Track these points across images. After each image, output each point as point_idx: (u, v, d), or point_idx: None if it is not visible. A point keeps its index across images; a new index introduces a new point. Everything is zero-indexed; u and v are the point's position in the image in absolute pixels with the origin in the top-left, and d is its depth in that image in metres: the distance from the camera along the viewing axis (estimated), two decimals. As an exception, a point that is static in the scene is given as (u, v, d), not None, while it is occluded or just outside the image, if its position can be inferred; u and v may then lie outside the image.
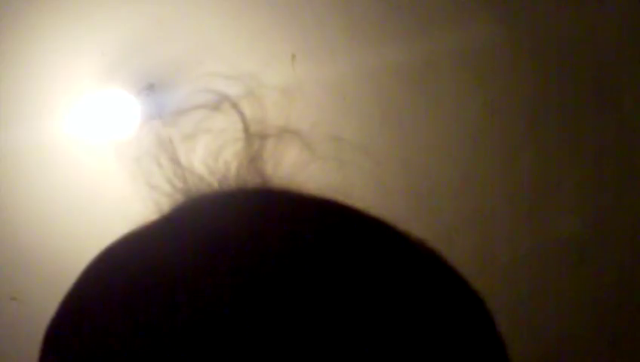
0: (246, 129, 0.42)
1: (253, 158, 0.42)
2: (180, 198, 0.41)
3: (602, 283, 2.25)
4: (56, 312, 0.37)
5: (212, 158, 0.42)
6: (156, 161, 0.42)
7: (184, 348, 0.30)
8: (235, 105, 0.43)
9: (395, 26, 1.74)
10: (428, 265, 0.36)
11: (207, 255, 0.33)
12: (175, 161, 0.42)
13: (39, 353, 0.36)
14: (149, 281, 0.32)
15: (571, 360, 2.39)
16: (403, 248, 0.37)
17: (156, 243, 0.36)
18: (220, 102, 0.43)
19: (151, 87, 1.78)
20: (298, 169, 0.42)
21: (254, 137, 0.42)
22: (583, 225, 2.14)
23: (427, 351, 0.31)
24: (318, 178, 0.43)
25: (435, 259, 0.37)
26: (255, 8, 1.70)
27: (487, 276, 2.21)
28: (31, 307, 2.03)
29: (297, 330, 0.30)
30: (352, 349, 0.29)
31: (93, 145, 1.83)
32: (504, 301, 2.29)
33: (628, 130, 1.97)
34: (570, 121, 1.95)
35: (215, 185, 0.42)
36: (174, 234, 0.36)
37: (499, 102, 1.90)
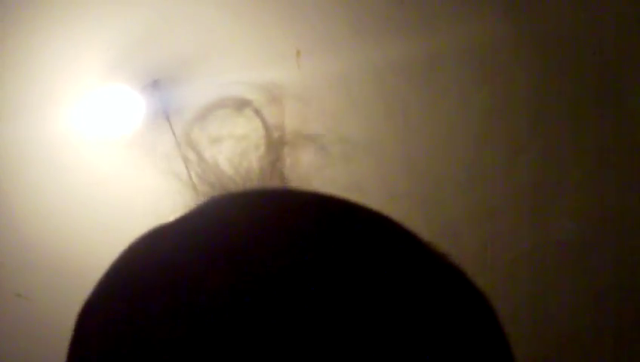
0: (267, 133, 0.44)
1: (273, 161, 0.44)
2: (205, 195, 0.42)
3: (604, 281, 2.25)
4: (89, 296, 0.37)
5: (235, 160, 0.43)
6: (184, 159, 0.43)
7: (202, 342, 0.30)
8: (257, 111, 0.44)
9: (399, 22, 1.74)
10: (438, 267, 0.37)
11: (231, 250, 0.34)
12: (201, 159, 0.43)
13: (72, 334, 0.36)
14: (170, 277, 0.33)
15: (573, 358, 2.39)
16: (417, 250, 0.38)
17: (182, 238, 0.36)
18: (242, 107, 0.45)
19: (155, 84, 1.78)
20: (314, 170, 0.43)
21: (274, 142, 0.44)
22: (586, 223, 2.14)
23: (434, 350, 0.32)
24: (334, 179, 0.44)
25: (446, 261, 0.38)
26: (260, 5, 1.70)
27: (489, 273, 2.21)
28: (35, 303, 2.04)
29: (315, 327, 0.31)
30: (366, 346, 0.30)
31: (97, 140, 1.83)
32: (506, 298, 2.29)
33: (631, 128, 1.97)
34: (573, 119, 1.94)
35: (238, 184, 0.43)
36: (200, 229, 0.37)
37: (502, 99, 1.90)
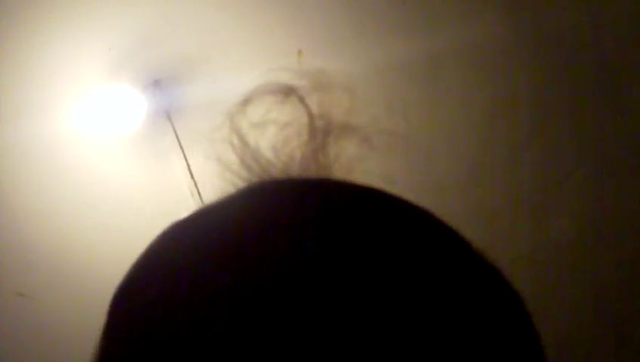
0: (310, 122, 0.44)
1: (315, 150, 0.43)
2: (245, 180, 0.42)
3: (605, 281, 2.25)
4: (124, 278, 0.37)
5: (277, 146, 0.42)
6: (228, 144, 0.43)
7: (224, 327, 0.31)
8: (301, 99, 0.44)
9: (400, 21, 1.74)
10: (477, 266, 0.37)
11: (268, 237, 0.34)
12: (245, 145, 0.43)
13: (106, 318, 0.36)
14: (208, 262, 0.33)
15: (576, 356, 2.39)
16: (457, 248, 0.38)
17: (220, 224, 0.36)
18: (288, 94, 0.44)
19: (157, 83, 1.78)
20: (357, 161, 0.43)
21: (318, 130, 0.44)
22: (587, 223, 2.14)
23: (468, 351, 0.32)
24: (375, 170, 0.44)
25: (486, 261, 0.38)
26: (261, 4, 1.70)
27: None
28: (37, 303, 2.04)
29: (354, 321, 0.30)
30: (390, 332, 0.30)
31: (99, 140, 1.83)
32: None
33: (633, 126, 1.96)
34: (574, 117, 1.94)
35: (279, 171, 0.43)
36: (238, 216, 0.37)
37: (504, 98, 1.90)
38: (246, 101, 0.45)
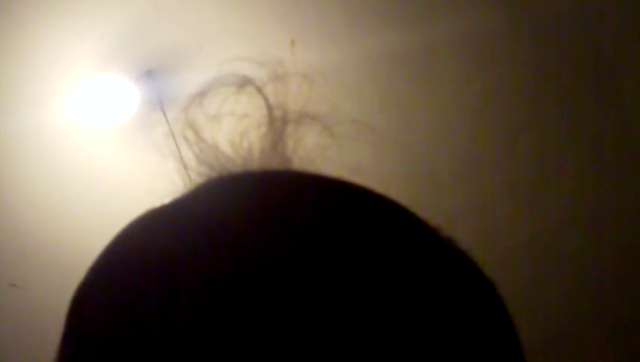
0: (269, 113, 0.43)
1: (275, 141, 0.43)
2: (205, 176, 0.41)
3: (602, 268, 2.26)
4: (83, 280, 0.37)
5: (235, 140, 0.42)
6: (184, 139, 0.42)
7: (191, 329, 0.30)
8: (259, 89, 0.44)
9: (394, 12, 1.73)
10: (445, 253, 0.37)
11: (228, 233, 0.33)
12: (201, 140, 0.42)
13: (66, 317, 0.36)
14: (166, 261, 0.33)
15: (572, 345, 2.39)
16: (419, 232, 0.37)
17: (178, 222, 0.36)
18: (244, 85, 0.44)
19: (149, 74, 1.77)
20: (318, 151, 0.42)
21: (276, 121, 0.43)
22: (583, 210, 2.15)
23: (441, 339, 0.32)
24: (337, 160, 0.43)
25: (453, 247, 0.38)
26: (254, -6, 1.70)
27: (487, 262, 2.21)
28: (30, 293, 2.04)
29: (315, 315, 0.30)
30: (366, 336, 0.30)
31: (91, 130, 1.83)
32: (504, 287, 2.29)
33: (627, 115, 1.97)
34: (569, 106, 1.94)
35: (238, 165, 0.42)
36: (196, 213, 0.36)
37: (498, 88, 1.90)
38: (201, 94, 0.45)
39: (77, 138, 1.83)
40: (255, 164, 0.42)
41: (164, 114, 1.77)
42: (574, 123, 1.96)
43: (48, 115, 1.77)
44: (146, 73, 1.77)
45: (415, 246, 0.35)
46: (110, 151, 1.87)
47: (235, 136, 0.41)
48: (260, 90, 0.44)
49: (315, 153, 0.43)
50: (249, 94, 0.43)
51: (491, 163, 2.04)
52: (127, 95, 1.78)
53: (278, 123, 0.43)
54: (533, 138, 1.99)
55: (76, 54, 1.70)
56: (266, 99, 0.43)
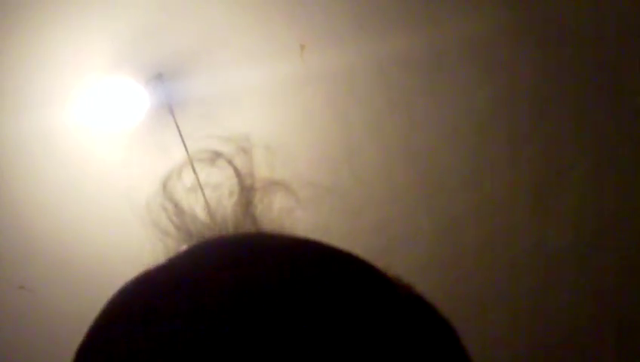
0: (239, 182, 0.48)
1: (246, 207, 0.47)
2: (185, 242, 0.45)
3: (607, 274, 2.25)
4: (86, 333, 0.40)
5: (211, 208, 0.46)
6: (164, 210, 0.47)
7: None
8: (229, 162, 0.47)
9: (402, 16, 1.74)
10: (404, 301, 0.40)
11: (210, 295, 0.36)
12: (180, 210, 0.46)
13: None
14: (157, 323, 0.36)
15: (573, 353, 2.39)
16: (383, 286, 0.40)
17: (167, 287, 0.39)
18: (215, 159, 0.48)
19: (159, 77, 1.78)
20: (285, 213, 0.45)
21: (246, 189, 0.48)
22: (587, 219, 2.14)
23: None
24: (302, 219, 0.47)
25: (411, 293, 0.41)
26: (263, -2, 1.70)
27: (492, 268, 2.22)
28: (38, 295, 2.04)
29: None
30: None
31: (101, 133, 1.83)
32: (508, 293, 2.29)
33: (633, 120, 1.96)
34: (576, 111, 1.94)
35: (214, 231, 0.46)
36: (181, 275, 0.39)
37: (506, 92, 1.90)
38: (179, 169, 0.48)
39: (87, 141, 1.84)
40: (229, 228, 0.46)
41: (174, 117, 1.77)
42: (580, 127, 1.96)
43: (58, 118, 1.77)
44: (156, 77, 1.78)
45: (374, 298, 0.38)
46: (120, 153, 1.87)
47: (209, 204, 0.46)
48: (230, 162, 0.48)
49: (283, 215, 0.47)
50: (220, 167, 0.49)
51: (499, 167, 2.03)
52: (137, 98, 1.79)
53: (247, 190, 0.47)
54: (540, 142, 1.99)
55: (87, 58, 1.71)
56: (236, 170, 0.48)
